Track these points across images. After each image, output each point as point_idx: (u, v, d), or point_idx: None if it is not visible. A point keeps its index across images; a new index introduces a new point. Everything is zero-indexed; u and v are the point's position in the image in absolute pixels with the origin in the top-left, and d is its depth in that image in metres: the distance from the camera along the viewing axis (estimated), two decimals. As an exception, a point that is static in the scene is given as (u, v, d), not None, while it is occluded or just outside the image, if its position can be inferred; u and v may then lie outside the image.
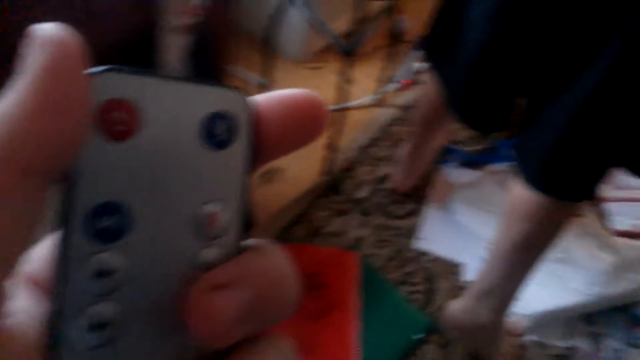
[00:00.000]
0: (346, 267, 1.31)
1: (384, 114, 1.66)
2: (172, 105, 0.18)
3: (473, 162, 1.53)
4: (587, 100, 0.81)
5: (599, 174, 0.92)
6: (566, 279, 1.23)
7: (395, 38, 1.84)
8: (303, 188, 1.46)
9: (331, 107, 1.66)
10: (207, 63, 1.00)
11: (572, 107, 0.82)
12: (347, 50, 1.19)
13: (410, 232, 1.42)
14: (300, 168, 1.52)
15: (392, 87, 1.73)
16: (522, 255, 1.02)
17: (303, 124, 0.20)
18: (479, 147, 1.57)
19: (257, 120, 0.19)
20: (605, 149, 0.87)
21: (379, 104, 1.68)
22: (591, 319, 1.29)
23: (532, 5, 0.83)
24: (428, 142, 1.38)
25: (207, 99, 0.19)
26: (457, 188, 1.45)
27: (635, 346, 1.28)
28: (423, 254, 1.39)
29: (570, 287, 1.22)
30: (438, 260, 1.38)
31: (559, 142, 0.88)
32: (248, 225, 0.20)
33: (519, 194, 0.98)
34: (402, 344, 1.22)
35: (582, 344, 1.26)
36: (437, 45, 1.07)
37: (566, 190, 0.94)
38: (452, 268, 1.36)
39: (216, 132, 0.19)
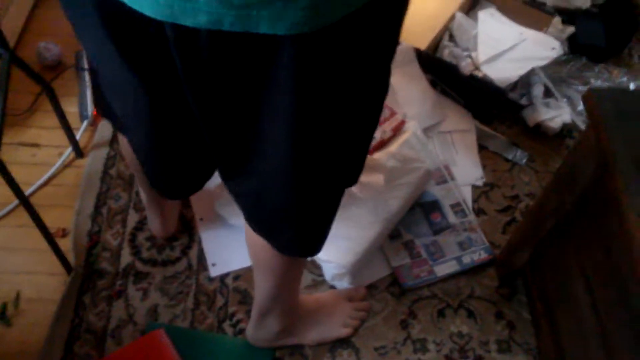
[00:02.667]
0: (157, 351, 1.10)
1: (94, 160, 1.39)
2: None
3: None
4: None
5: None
6: (360, 217, 1.20)
7: (51, 70, 1.53)
8: (55, 301, 1.17)
9: (28, 191, 1.34)
10: None
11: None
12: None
13: (198, 267, 1.25)
14: (39, 281, 1.21)
15: (85, 125, 1.45)
16: (277, 298, 1.01)
17: None
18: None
19: None
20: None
21: (81, 152, 1.40)
22: (395, 233, 1.30)
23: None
24: None
25: None
26: (216, 192, 1.30)
27: (439, 231, 1.33)
28: (223, 277, 1.24)
29: (365, 222, 1.20)
30: (242, 276, 1.24)
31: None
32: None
33: (252, 243, 0.88)
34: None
35: (402, 259, 1.28)
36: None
37: (292, 247, 0.84)
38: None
39: None
